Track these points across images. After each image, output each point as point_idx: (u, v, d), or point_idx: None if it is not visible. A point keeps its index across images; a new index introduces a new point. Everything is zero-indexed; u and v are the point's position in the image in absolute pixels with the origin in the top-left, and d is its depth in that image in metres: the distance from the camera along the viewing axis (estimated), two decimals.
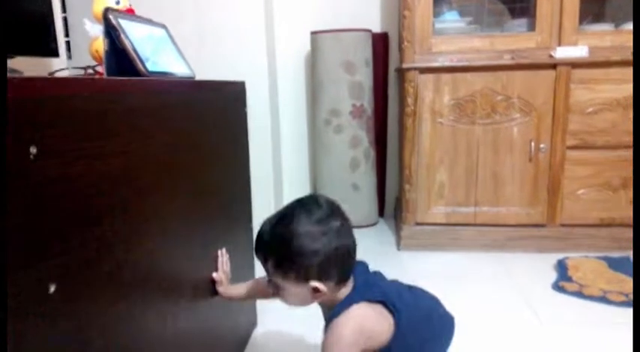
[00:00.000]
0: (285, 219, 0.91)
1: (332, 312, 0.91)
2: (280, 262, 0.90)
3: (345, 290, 0.94)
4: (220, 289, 1.13)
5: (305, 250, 0.87)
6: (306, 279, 0.89)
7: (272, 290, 0.96)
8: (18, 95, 0.52)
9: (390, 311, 0.92)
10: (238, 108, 1.36)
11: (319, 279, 0.89)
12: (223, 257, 1.16)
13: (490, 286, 1.75)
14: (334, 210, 0.92)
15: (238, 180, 1.36)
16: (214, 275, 1.12)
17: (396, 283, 1.03)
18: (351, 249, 0.92)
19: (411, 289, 1.03)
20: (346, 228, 0.92)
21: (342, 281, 0.93)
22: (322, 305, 1.00)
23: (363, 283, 0.95)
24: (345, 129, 2.39)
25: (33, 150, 0.53)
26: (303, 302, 0.94)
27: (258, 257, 0.95)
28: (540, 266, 1.89)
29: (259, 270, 1.54)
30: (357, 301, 0.91)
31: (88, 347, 0.63)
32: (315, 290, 0.90)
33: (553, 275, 1.80)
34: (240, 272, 1.38)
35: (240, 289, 1.17)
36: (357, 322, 0.89)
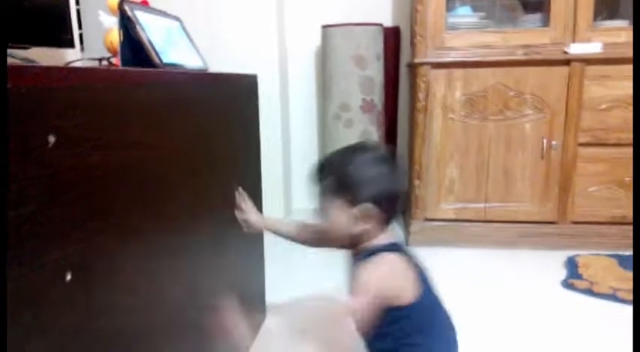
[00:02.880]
0: (350, 148, 0.99)
1: (364, 254, 0.94)
2: (338, 181, 0.94)
3: (380, 239, 0.96)
4: (252, 217, 1.17)
5: (365, 174, 0.92)
6: (355, 202, 0.92)
7: (318, 215, 0.99)
8: (37, 84, 0.52)
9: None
10: (250, 102, 1.36)
11: (369, 204, 0.91)
12: (243, 195, 1.19)
13: (499, 283, 1.74)
14: (394, 158, 0.98)
15: (249, 172, 1.36)
16: (242, 218, 1.17)
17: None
18: (399, 193, 0.96)
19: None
20: (399, 174, 0.97)
21: (385, 221, 0.95)
22: (351, 255, 1.01)
23: (397, 243, 0.98)
24: (355, 124, 2.38)
25: (51, 138, 0.53)
26: (344, 231, 0.95)
27: (315, 179, 0.99)
28: (550, 264, 1.88)
29: (269, 260, 1.55)
30: (390, 251, 0.93)
31: (101, 335, 0.64)
32: (359, 215, 0.92)
33: (563, 273, 1.79)
34: (250, 260, 1.39)
35: (280, 226, 1.21)
36: (387, 268, 0.91)
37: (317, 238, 1.12)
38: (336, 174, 0.94)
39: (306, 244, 1.17)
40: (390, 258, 0.93)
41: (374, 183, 0.92)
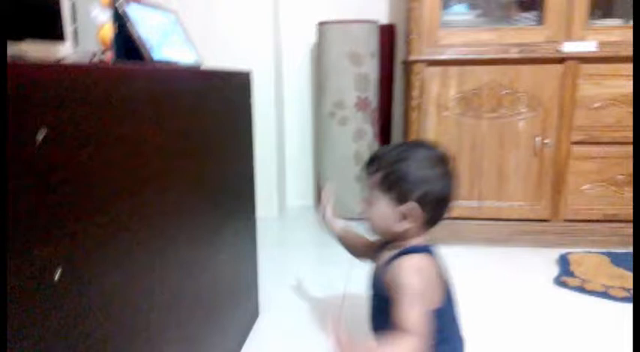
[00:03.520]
0: (405, 144, 0.99)
1: (399, 251, 0.94)
2: (388, 177, 0.93)
3: (418, 240, 0.97)
4: (327, 214, 1.23)
5: (416, 174, 0.91)
6: (405, 199, 0.91)
7: (363, 206, 0.99)
8: (26, 79, 0.52)
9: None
10: (244, 99, 1.36)
11: (418, 203, 0.91)
12: (329, 192, 1.22)
13: (492, 280, 1.75)
14: (448, 160, 0.96)
15: (242, 170, 1.36)
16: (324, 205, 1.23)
17: None
18: (449, 197, 0.95)
19: None
20: (452, 179, 0.95)
21: (428, 224, 0.95)
22: (384, 245, 1.02)
23: (431, 246, 0.99)
24: (350, 122, 2.38)
25: (42, 134, 0.53)
26: (386, 226, 0.96)
27: (367, 170, 0.98)
28: (543, 261, 1.89)
29: (262, 256, 1.54)
30: (423, 251, 0.94)
31: (92, 332, 0.64)
32: (406, 213, 0.92)
33: (555, 270, 1.80)
34: (243, 258, 1.38)
35: (340, 225, 1.24)
36: (423, 271, 0.91)
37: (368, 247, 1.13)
38: (387, 169, 0.93)
39: (357, 253, 1.19)
40: (425, 260, 0.93)
41: (425, 183, 0.91)
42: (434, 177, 0.92)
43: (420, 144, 0.99)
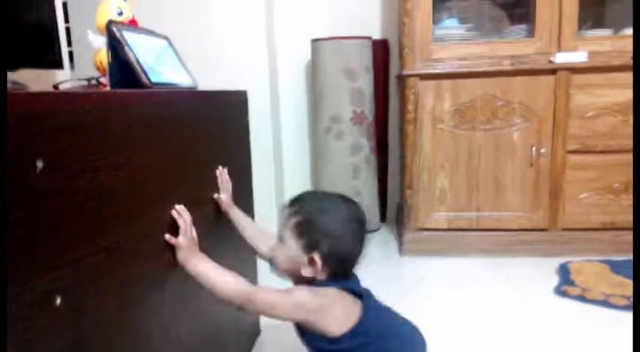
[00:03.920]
0: (331, 197, 1.01)
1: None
2: (303, 223, 0.95)
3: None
4: (223, 206, 1.15)
5: (329, 228, 0.94)
6: (312, 249, 0.93)
7: (274, 246, 1.00)
8: (24, 109, 0.53)
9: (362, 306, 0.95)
10: (240, 118, 1.37)
11: (323, 257, 0.93)
12: (222, 176, 1.16)
13: (492, 291, 1.75)
14: (364, 223, 1.00)
15: (240, 188, 1.36)
16: (215, 195, 1.13)
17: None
18: (355, 257, 0.98)
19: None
20: (362, 241, 0.98)
21: (332, 275, 0.96)
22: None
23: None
24: (346, 136, 2.40)
25: (39, 163, 0.54)
26: (292, 271, 0.97)
27: (287, 209, 0.99)
28: (542, 271, 1.89)
29: (262, 272, 1.54)
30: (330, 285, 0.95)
31: None
32: (311, 263, 0.93)
33: (555, 280, 1.80)
34: (241, 272, 1.38)
35: (240, 217, 1.18)
36: (317, 294, 0.92)
37: (266, 251, 1.10)
38: (305, 216, 0.96)
39: (252, 246, 1.16)
40: (330, 290, 0.94)
41: (334, 239, 0.93)
42: (345, 235, 0.95)
43: (343, 201, 1.00)
